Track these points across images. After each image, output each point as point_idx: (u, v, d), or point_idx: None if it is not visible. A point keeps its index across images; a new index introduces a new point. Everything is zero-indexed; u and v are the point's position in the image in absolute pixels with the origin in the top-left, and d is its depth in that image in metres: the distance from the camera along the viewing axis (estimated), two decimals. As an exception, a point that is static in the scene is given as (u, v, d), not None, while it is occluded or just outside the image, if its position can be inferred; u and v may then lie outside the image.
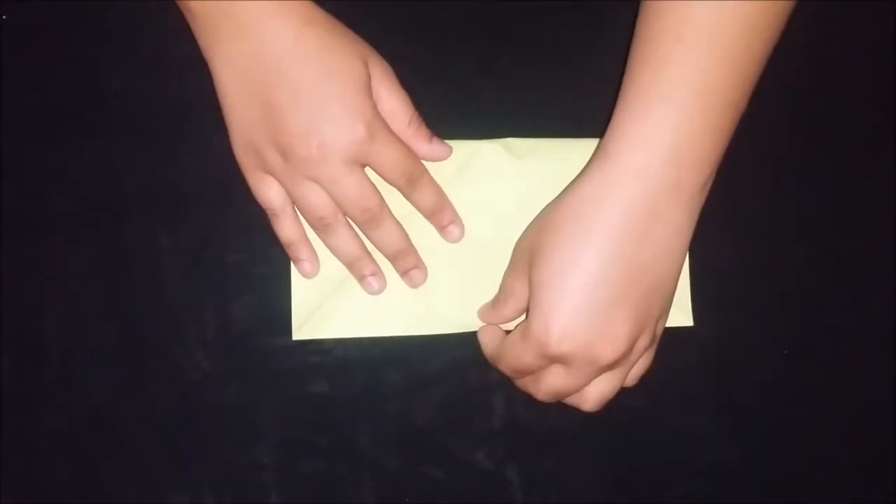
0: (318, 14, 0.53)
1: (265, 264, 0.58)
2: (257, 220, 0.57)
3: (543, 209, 0.54)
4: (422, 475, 0.58)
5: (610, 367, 0.52)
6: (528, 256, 0.53)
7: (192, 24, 0.53)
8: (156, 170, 0.58)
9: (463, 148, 0.58)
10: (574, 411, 0.54)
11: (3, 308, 0.57)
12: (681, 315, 0.58)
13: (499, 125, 0.59)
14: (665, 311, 0.53)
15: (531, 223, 0.54)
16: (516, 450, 0.58)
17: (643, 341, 0.52)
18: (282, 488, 0.57)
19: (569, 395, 0.54)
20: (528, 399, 0.54)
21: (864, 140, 0.61)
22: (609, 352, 0.51)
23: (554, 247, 0.51)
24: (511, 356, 0.53)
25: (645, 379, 0.55)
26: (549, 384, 0.53)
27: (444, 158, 0.57)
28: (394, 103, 0.55)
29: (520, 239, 0.55)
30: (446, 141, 0.57)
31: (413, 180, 0.55)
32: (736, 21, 0.49)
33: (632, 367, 0.53)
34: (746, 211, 0.60)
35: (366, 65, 0.53)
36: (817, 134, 0.61)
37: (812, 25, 0.58)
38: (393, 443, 0.58)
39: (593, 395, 0.53)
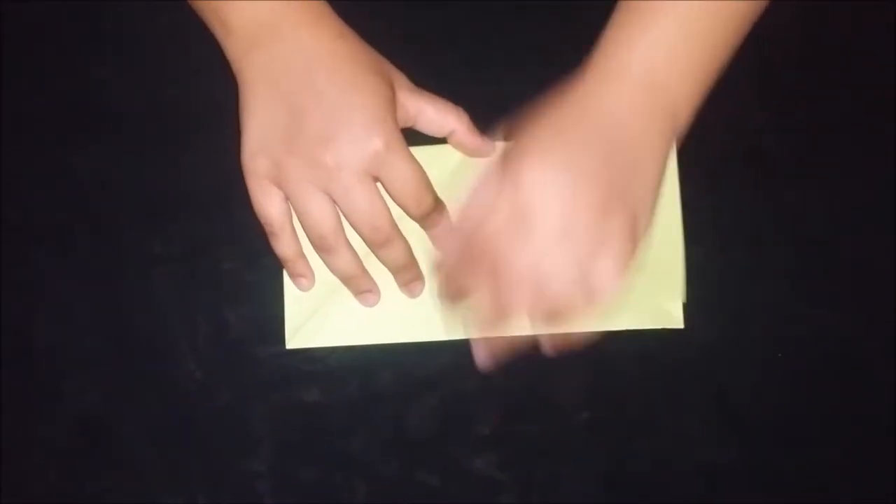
0: (349, 32, 0.54)
1: (258, 272, 0.58)
2: (251, 228, 0.56)
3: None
4: (416, 482, 0.57)
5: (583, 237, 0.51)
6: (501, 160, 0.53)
7: (222, 33, 0.54)
8: (150, 177, 0.58)
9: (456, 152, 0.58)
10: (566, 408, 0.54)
11: (-2, 314, 0.57)
12: (673, 308, 0.58)
13: (492, 129, 0.58)
14: (644, 208, 0.52)
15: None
16: (511, 455, 0.58)
17: (617, 221, 0.51)
18: (276, 496, 0.57)
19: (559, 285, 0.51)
20: (518, 401, 0.54)
21: (858, 141, 0.61)
22: (582, 214, 0.50)
23: (537, 129, 0.52)
24: (477, 210, 0.52)
25: (640, 382, 0.54)
26: (519, 261, 0.51)
27: (492, 154, 0.57)
28: (439, 108, 0.56)
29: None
30: (440, 145, 0.57)
31: (421, 205, 0.55)
32: None
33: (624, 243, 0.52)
34: (738, 213, 0.60)
35: (392, 85, 0.54)
36: (810, 135, 0.61)
37: (809, 24, 0.59)
38: (387, 449, 0.58)
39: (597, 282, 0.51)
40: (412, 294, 0.58)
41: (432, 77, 0.57)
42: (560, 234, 0.50)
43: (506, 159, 0.52)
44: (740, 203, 0.60)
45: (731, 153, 0.59)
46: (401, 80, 0.55)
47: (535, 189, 0.50)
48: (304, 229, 0.55)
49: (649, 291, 0.57)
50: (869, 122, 0.61)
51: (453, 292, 0.54)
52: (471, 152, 0.57)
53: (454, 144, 0.57)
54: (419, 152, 0.55)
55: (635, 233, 0.52)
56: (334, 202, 0.53)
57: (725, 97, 0.53)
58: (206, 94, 0.56)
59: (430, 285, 0.58)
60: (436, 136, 0.57)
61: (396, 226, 0.55)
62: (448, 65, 0.60)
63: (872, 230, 0.60)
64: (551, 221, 0.50)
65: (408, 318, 0.58)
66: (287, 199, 0.54)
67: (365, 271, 0.56)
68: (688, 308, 0.58)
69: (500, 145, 0.58)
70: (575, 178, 0.50)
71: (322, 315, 0.58)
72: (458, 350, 0.57)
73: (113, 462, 0.56)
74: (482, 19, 0.61)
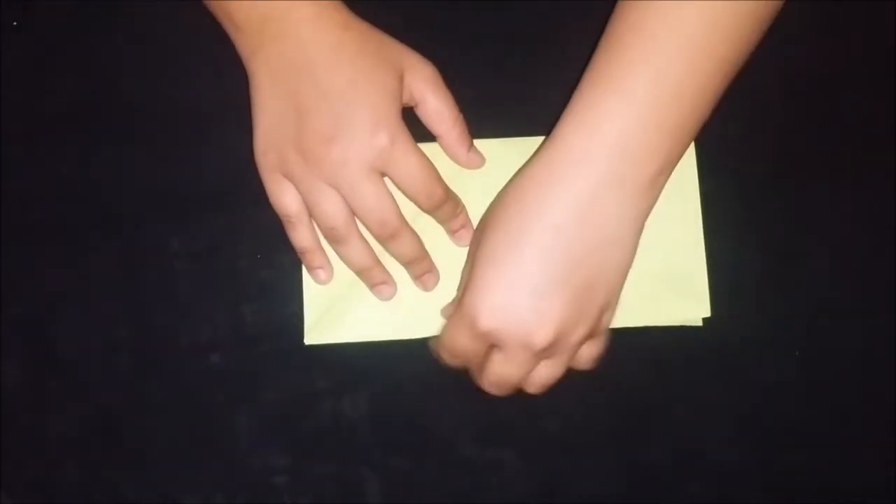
0: (356, 21, 0.54)
1: (276, 268, 0.58)
2: (268, 225, 0.57)
3: (499, 192, 0.53)
4: (434, 476, 0.57)
5: (546, 353, 0.51)
6: (477, 239, 0.52)
7: (233, 31, 0.54)
8: (167, 174, 0.59)
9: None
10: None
11: (16, 311, 0.58)
12: (697, 306, 0.58)
13: (510, 125, 0.59)
14: (611, 303, 0.52)
15: (488, 206, 0.54)
16: (523, 450, 0.58)
17: (581, 330, 0.51)
18: (294, 491, 0.57)
19: (512, 385, 0.53)
20: (532, 399, 0.54)
21: (882, 140, 0.60)
22: (542, 335, 0.50)
23: (496, 226, 0.51)
24: (446, 338, 0.53)
25: (651, 379, 0.54)
26: (489, 371, 0.52)
27: (477, 168, 0.57)
28: (439, 105, 0.55)
29: (477, 224, 0.55)
30: None
31: (432, 197, 0.55)
32: (698, 17, 0.48)
33: (572, 354, 0.52)
34: (762, 213, 0.59)
35: (400, 73, 0.54)
36: (832, 132, 0.60)
37: (833, 21, 0.58)
38: (404, 443, 0.58)
39: (534, 380, 0.53)
40: (425, 287, 0.58)
41: (452, 70, 0.57)
42: (528, 357, 0.51)
43: (468, 276, 0.52)
44: (761, 201, 0.59)
45: (753, 150, 0.58)
46: (414, 64, 0.55)
47: (494, 321, 0.50)
48: (315, 222, 0.55)
49: (671, 288, 0.57)
50: (893, 121, 0.60)
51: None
52: (457, 161, 0.57)
53: (443, 148, 0.57)
54: (427, 148, 0.55)
55: (605, 320, 0.52)
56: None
57: (747, 95, 0.52)
58: (222, 92, 0.56)
59: (446, 281, 0.58)
60: (429, 130, 0.56)
61: (404, 219, 0.55)
62: (469, 57, 0.59)
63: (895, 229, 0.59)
64: (526, 342, 0.50)
65: (424, 313, 0.58)
66: None
67: (379, 263, 0.57)
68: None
69: (510, 141, 0.58)
70: (538, 305, 0.49)
71: (340, 311, 0.58)
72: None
73: (130, 455, 0.57)
74: (504, 13, 0.60)
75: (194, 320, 0.58)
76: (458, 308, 0.52)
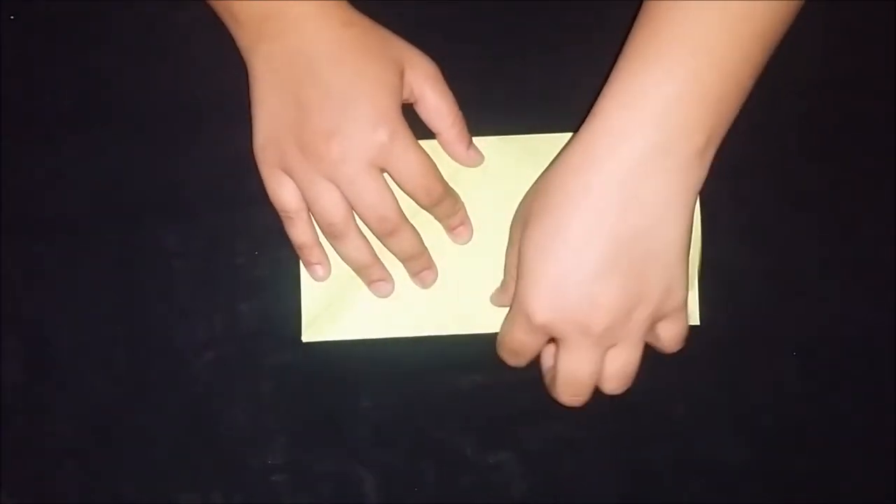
0: (357, 17, 0.54)
1: (274, 266, 0.58)
2: (266, 223, 0.57)
3: (537, 179, 0.53)
4: (433, 475, 0.57)
5: (608, 338, 0.51)
6: (520, 229, 0.52)
7: (233, 26, 0.54)
8: (164, 172, 0.58)
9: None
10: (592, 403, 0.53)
11: (12, 309, 0.57)
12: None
13: (508, 124, 0.58)
14: (674, 281, 0.50)
15: (525, 194, 0.54)
16: (523, 450, 0.58)
17: (642, 311, 0.50)
18: (293, 490, 0.57)
19: (586, 384, 0.52)
20: (535, 398, 0.54)
21: (881, 140, 0.60)
22: (598, 321, 0.49)
23: (540, 215, 0.50)
24: (505, 336, 0.53)
25: (651, 380, 0.54)
26: (560, 375, 0.52)
27: (476, 166, 0.57)
28: (438, 102, 0.55)
29: (515, 212, 0.54)
30: None
31: (431, 194, 0.55)
32: None
33: (639, 338, 0.52)
34: (756, 211, 0.59)
35: (401, 69, 0.54)
36: (841, 139, 0.60)
37: (833, 20, 0.58)
38: (402, 442, 0.58)
39: (607, 373, 0.52)
40: (423, 283, 0.57)
41: (449, 69, 0.56)
42: (590, 345, 0.51)
43: (518, 250, 0.52)
44: (759, 202, 0.59)
45: (749, 150, 0.58)
46: (415, 60, 0.55)
47: (551, 313, 0.50)
48: (314, 218, 0.55)
49: None
50: (892, 120, 0.60)
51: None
52: (455, 159, 0.57)
53: (442, 145, 0.57)
54: (426, 145, 0.55)
55: (672, 300, 0.51)
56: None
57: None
58: (220, 89, 0.56)
59: (445, 278, 0.58)
60: (428, 127, 0.56)
61: (404, 216, 0.55)
62: (466, 56, 0.59)
63: (895, 228, 0.59)
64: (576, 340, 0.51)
65: (422, 311, 0.58)
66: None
67: (377, 260, 0.57)
68: (704, 306, 0.58)
69: (509, 139, 0.58)
70: (591, 291, 0.49)
71: (338, 308, 0.58)
72: (475, 344, 0.57)
73: (127, 454, 0.57)
74: (501, 13, 0.60)
75: (192, 318, 0.58)
76: (512, 306, 0.51)
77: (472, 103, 0.56)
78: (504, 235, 0.56)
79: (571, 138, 0.51)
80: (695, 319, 0.57)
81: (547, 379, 0.54)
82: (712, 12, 0.48)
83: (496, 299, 0.57)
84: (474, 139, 0.57)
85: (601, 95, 0.50)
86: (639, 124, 0.48)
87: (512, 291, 0.53)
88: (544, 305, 0.50)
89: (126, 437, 0.57)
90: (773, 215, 0.59)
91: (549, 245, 0.49)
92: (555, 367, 0.52)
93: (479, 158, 0.57)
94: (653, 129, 0.48)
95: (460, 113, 0.56)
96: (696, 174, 0.49)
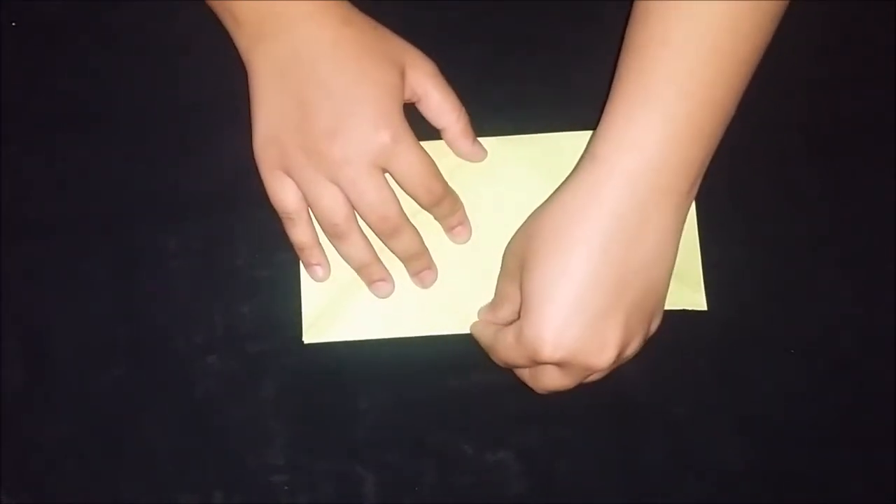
0: (357, 16, 0.54)
1: (273, 267, 0.58)
2: (265, 224, 0.57)
3: (531, 214, 0.53)
4: (432, 475, 0.57)
5: (603, 370, 0.52)
6: (518, 262, 0.52)
7: (233, 26, 0.54)
8: (164, 173, 0.59)
9: None
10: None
11: (12, 311, 0.58)
12: (694, 296, 0.58)
13: (508, 124, 0.58)
14: (658, 311, 0.53)
15: (520, 227, 0.54)
16: (522, 449, 0.58)
17: (634, 345, 0.52)
18: (293, 490, 0.57)
19: (563, 390, 0.54)
20: (534, 399, 0.54)
21: (879, 138, 0.60)
22: (605, 359, 0.51)
23: (544, 256, 0.51)
24: (504, 355, 0.53)
25: (651, 379, 0.54)
26: (545, 383, 0.53)
27: (480, 160, 0.57)
28: (442, 98, 0.55)
29: (509, 243, 0.55)
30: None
31: (431, 193, 0.55)
32: (721, 23, 0.49)
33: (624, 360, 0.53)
34: (756, 211, 0.59)
35: (401, 69, 0.54)
36: (839, 137, 0.60)
37: (833, 19, 0.58)
38: (402, 442, 0.57)
39: (583, 382, 0.54)
40: (423, 283, 0.58)
41: (446, 71, 0.56)
42: (586, 374, 0.52)
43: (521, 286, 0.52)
44: (759, 201, 0.59)
45: (750, 146, 0.58)
46: (415, 59, 0.55)
47: (558, 352, 0.50)
48: (316, 218, 0.55)
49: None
50: (892, 119, 0.60)
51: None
52: (460, 154, 0.57)
53: (446, 142, 0.57)
54: (428, 146, 0.55)
55: (652, 327, 0.53)
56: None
57: (746, 93, 0.52)
58: (220, 91, 0.56)
59: (444, 278, 0.58)
60: (433, 125, 0.56)
61: (405, 215, 0.55)
62: (463, 58, 0.59)
63: (894, 227, 0.59)
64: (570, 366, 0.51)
65: (423, 312, 0.58)
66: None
67: (378, 260, 0.57)
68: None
69: (509, 139, 0.58)
70: (595, 330, 0.50)
71: (338, 309, 0.58)
72: (475, 344, 0.56)
73: (127, 454, 0.57)
74: (498, 14, 0.60)
75: (192, 319, 0.58)
76: (518, 336, 0.51)
77: (472, 103, 0.57)
78: (504, 236, 0.56)
79: (569, 175, 0.52)
80: (700, 309, 0.58)
81: (524, 373, 0.54)
82: (701, 52, 0.49)
83: (485, 315, 0.57)
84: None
85: (597, 137, 0.51)
86: (644, 166, 0.49)
87: (501, 314, 0.55)
88: (552, 346, 0.50)
89: (126, 439, 0.57)
90: (773, 215, 0.59)
91: (556, 285, 0.50)
92: (540, 373, 0.53)
93: (482, 153, 0.57)
94: (655, 171, 0.49)
95: (464, 108, 0.56)
96: (686, 209, 0.51)
